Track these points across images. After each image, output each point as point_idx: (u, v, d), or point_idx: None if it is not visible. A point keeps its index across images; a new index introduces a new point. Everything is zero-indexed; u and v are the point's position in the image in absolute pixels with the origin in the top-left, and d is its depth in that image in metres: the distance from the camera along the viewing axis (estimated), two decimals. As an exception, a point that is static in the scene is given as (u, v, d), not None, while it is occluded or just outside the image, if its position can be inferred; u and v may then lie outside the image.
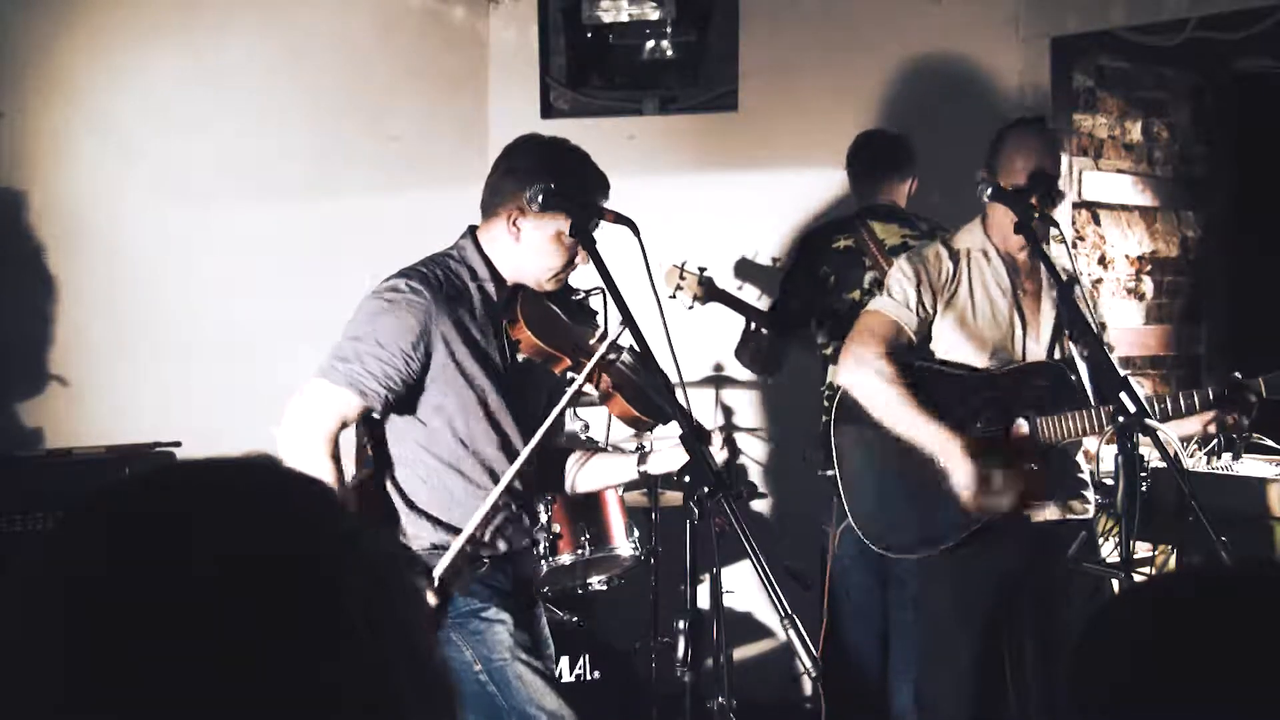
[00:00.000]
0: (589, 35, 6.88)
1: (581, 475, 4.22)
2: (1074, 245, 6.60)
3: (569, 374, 3.89)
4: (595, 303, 4.04)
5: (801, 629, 3.07)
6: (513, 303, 3.86)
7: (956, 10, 6.44)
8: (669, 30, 6.77)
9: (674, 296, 5.33)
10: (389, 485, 3.88)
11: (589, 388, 3.85)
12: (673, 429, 3.49)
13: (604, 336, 3.87)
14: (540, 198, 3.63)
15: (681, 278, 5.52)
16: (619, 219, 3.58)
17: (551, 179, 3.74)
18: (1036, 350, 4.50)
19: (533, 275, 3.91)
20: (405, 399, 3.79)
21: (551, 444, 4.10)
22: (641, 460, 4.06)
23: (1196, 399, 4.25)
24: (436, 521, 3.84)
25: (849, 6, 6.67)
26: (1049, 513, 4.47)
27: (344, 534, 1.14)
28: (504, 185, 3.88)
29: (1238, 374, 4.34)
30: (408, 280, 3.79)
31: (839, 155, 6.02)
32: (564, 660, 5.11)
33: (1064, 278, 4.43)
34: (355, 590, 1.09)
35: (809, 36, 6.74)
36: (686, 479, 3.33)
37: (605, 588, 5.66)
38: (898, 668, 5.11)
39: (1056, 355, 4.51)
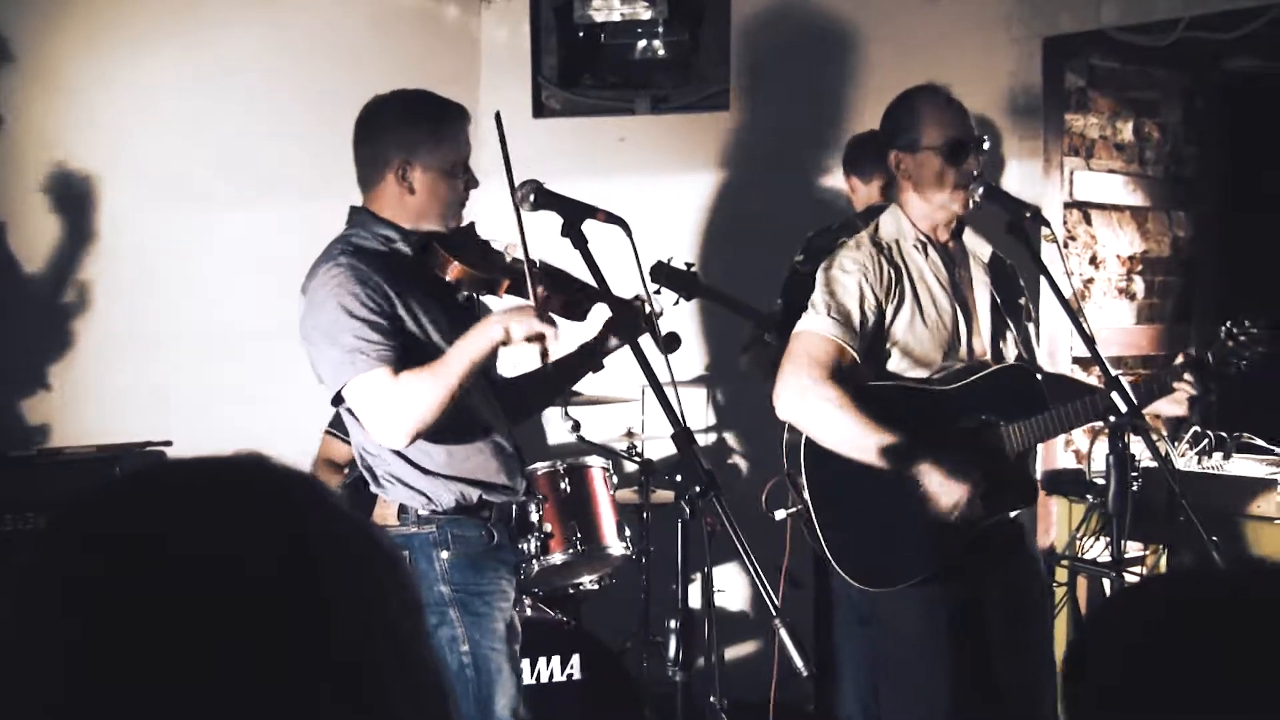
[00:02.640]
0: (581, 34, 6.89)
1: (535, 392, 4.41)
2: (1065, 245, 6.60)
3: (509, 295, 4.00)
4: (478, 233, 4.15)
5: (793, 629, 3.07)
6: (433, 248, 3.95)
7: (949, 9, 6.45)
8: (661, 30, 6.77)
9: (659, 292, 5.30)
10: (395, 462, 3.90)
11: (530, 299, 3.92)
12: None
13: (513, 256, 4.02)
14: (533, 197, 3.62)
15: (664, 273, 5.48)
16: (610, 218, 3.57)
17: (417, 125, 3.97)
18: (980, 342, 4.30)
19: (437, 215, 3.99)
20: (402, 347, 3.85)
21: (499, 379, 4.21)
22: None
23: (1157, 386, 4.15)
24: (453, 479, 3.91)
25: (841, 5, 6.68)
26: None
27: (338, 532, 1.14)
28: (381, 147, 4.00)
29: (1191, 350, 4.22)
30: (336, 260, 3.85)
31: (831, 155, 6.02)
32: (555, 660, 5.11)
33: (1053, 281, 4.19)
34: (346, 590, 1.09)
35: (801, 36, 6.74)
36: (678, 478, 3.33)
37: (596, 587, 5.66)
38: (845, 674, 4.90)
39: (1010, 349, 4.33)
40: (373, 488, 3.94)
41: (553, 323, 3.78)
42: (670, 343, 4.20)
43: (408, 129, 3.98)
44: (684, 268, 5.35)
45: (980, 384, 4.19)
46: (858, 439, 4.11)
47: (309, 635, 1.04)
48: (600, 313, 4.09)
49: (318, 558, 1.09)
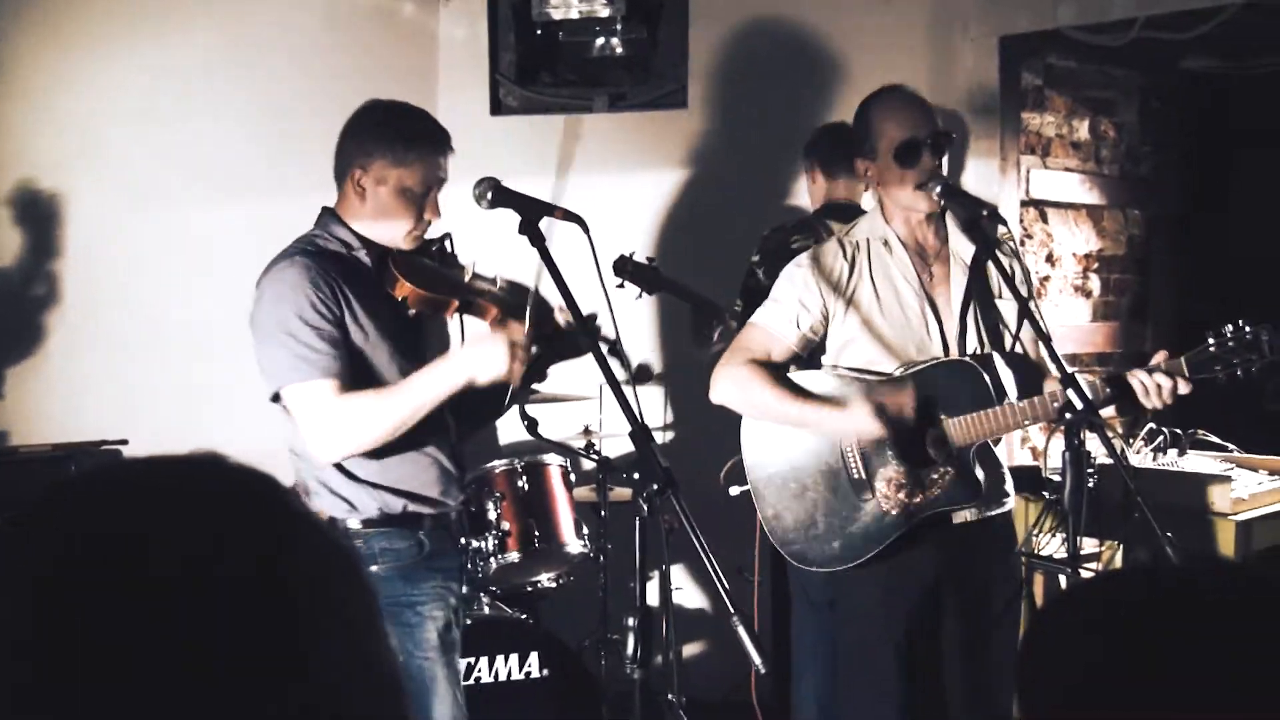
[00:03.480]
0: (538, 32, 6.88)
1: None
2: (1022, 243, 6.63)
3: (461, 315, 4.04)
4: (448, 247, 4.17)
5: (750, 625, 3.08)
6: (385, 265, 3.95)
7: (906, 8, 6.46)
8: (618, 27, 6.77)
9: (621, 286, 5.29)
10: (323, 467, 3.89)
11: (481, 320, 4.03)
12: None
13: (474, 273, 4.07)
14: (490, 194, 3.62)
15: (628, 268, 5.46)
16: (568, 216, 3.56)
17: (381, 140, 3.93)
18: (952, 340, 4.28)
19: (388, 235, 3.99)
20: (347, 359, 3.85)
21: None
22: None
23: (1103, 389, 4.11)
24: (379, 487, 3.90)
25: (798, 4, 6.69)
26: (968, 514, 4.27)
27: (294, 531, 1.14)
28: (342, 150, 4.02)
29: (1164, 352, 4.18)
30: (289, 260, 3.86)
31: (788, 153, 6.02)
32: (513, 658, 5.10)
33: (1015, 281, 4.24)
34: (305, 588, 1.08)
35: (758, 34, 6.75)
36: (636, 475, 3.33)
37: (555, 585, 5.66)
38: (800, 666, 4.85)
39: (973, 344, 4.31)
40: (301, 494, 3.92)
41: (523, 361, 3.79)
42: (641, 374, 4.28)
43: (373, 138, 3.96)
44: (646, 262, 5.34)
45: (927, 375, 4.20)
46: (772, 407, 4.25)
47: (271, 633, 1.03)
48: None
49: (275, 557, 1.09)
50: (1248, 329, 3.98)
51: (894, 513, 4.17)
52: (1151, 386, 3.98)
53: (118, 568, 1.02)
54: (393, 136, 3.96)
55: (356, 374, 3.83)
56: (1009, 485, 4.40)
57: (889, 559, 4.20)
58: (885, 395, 4.14)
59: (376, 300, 3.92)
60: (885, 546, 4.19)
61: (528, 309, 3.91)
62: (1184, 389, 4.00)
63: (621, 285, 5.28)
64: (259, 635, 1.03)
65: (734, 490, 5.02)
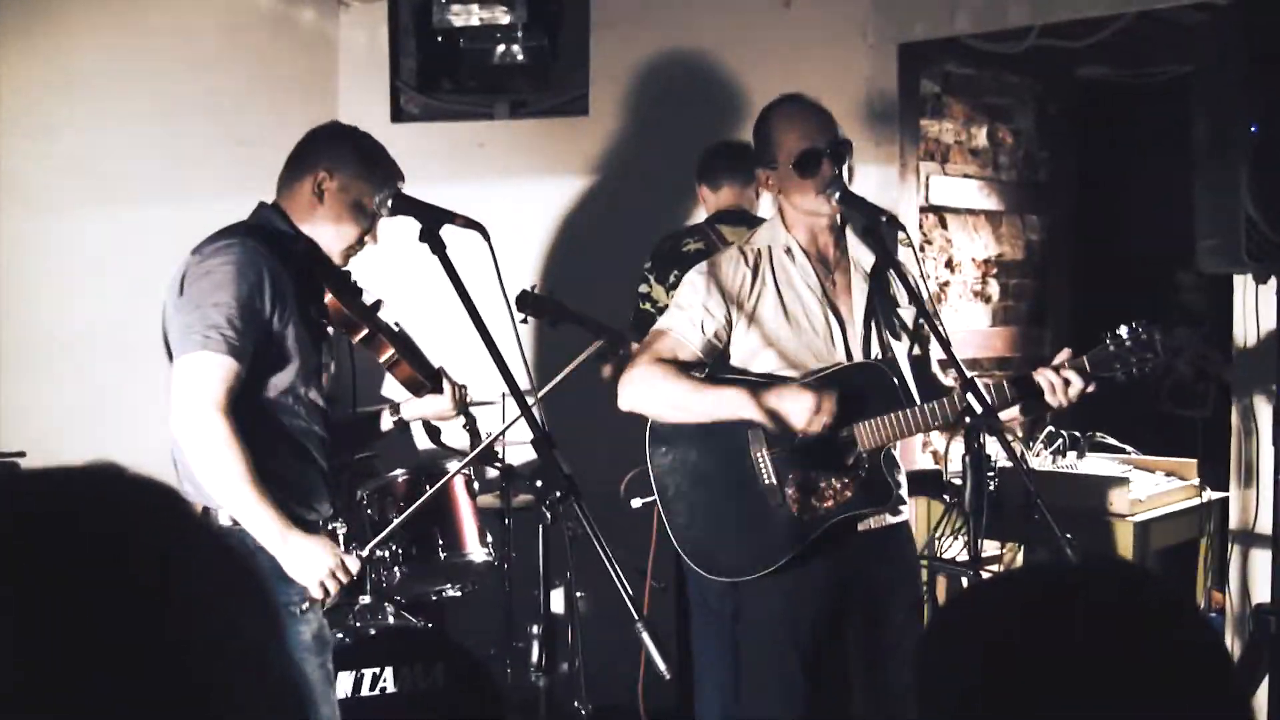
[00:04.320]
0: (439, 39, 6.86)
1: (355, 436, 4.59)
2: (921, 249, 6.68)
3: (361, 343, 4.19)
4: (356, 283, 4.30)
5: (655, 631, 3.09)
6: (316, 271, 4.06)
7: (805, 16, 6.49)
8: (520, 34, 6.76)
9: (525, 321, 5.28)
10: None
11: (375, 355, 4.22)
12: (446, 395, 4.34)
13: (376, 306, 4.23)
14: (390, 202, 3.62)
15: (529, 303, 5.43)
16: (469, 224, 3.56)
17: (354, 152, 4.07)
18: (855, 347, 4.26)
19: (327, 244, 4.06)
20: (259, 357, 3.86)
21: (343, 412, 4.32)
22: (394, 411, 4.45)
23: (1009, 389, 4.15)
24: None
25: (699, 11, 6.70)
26: (871, 521, 4.26)
27: (188, 541, 1.13)
28: (311, 151, 4.09)
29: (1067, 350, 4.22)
30: (242, 240, 3.87)
31: (688, 160, 6.04)
32: (418, 667, 5.08)
33: (914, 285, 4.20)
34: (194, 596, 1.07)
35: (659, 41, 6.76)
36: (539, 483, 3.33)
37: (459, 593, 5.64)
38: (702, 675, 4.82)
39: (875, 351, 4.29)
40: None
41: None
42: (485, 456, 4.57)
43: (348, 148, 4.08)
44: (547, 295, 5.34)
45: (833, 379, 4.18)
46: (684, 397, 4.20)
47: (157, 640, 1.02)
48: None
49: (168, 565, 1.08)
50: (1141, 329, 4.03)
51: (805, 518, 4.15)
52: (1059, 384, 4.02)
53: (8, 580, 1.01)
54: (365, 153, 4.09)
55: (263, 362, 3.84)
56: (904, 492, 4.40)
57: (792, 568, 4.17)
58: (801, 385, 4.13)
59: (305, 298, 3.99)
60: (798, 552, 4.16)
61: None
62: (1089, 387, 4.05)
63: (525, 320, 5.28)
64: (144, 642, 1.02)
65: (636, 502, 5.01)
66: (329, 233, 4.04)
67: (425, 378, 4.29)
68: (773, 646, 4.21)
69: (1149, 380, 4.14)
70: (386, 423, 4.48)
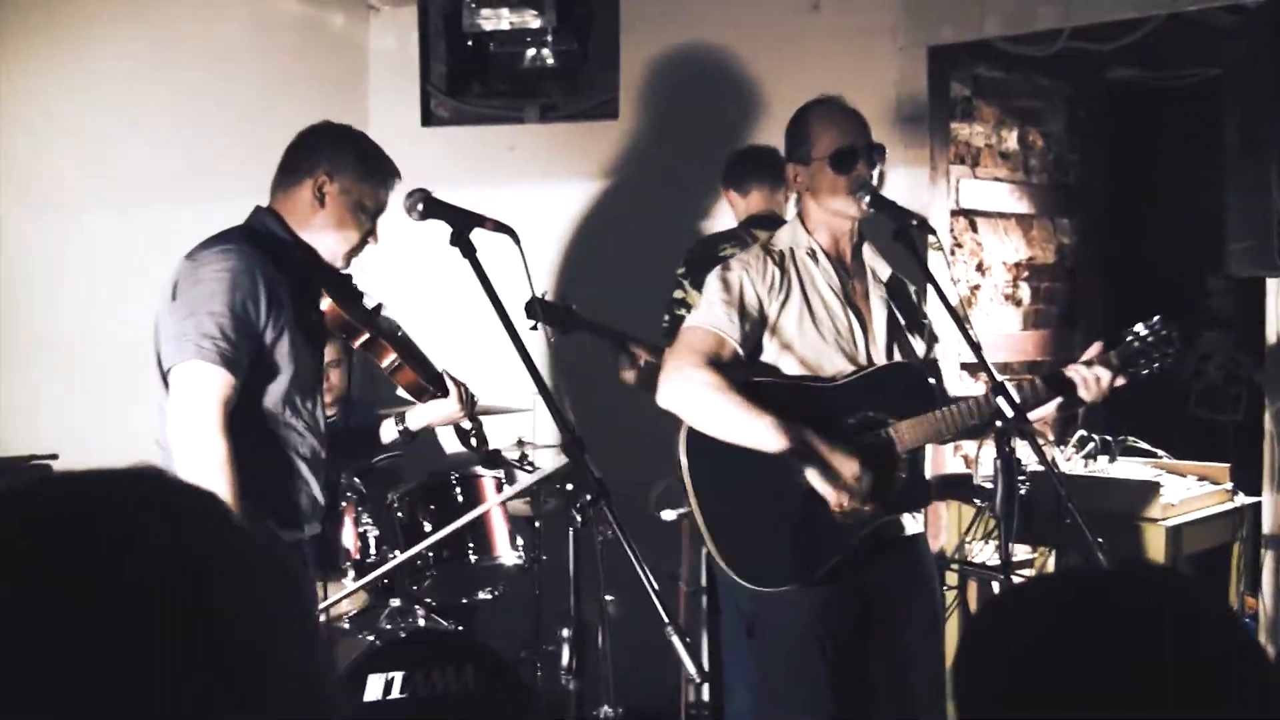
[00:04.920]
0: (469, 43, 6.87)
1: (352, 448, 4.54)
2: (952, 252, 6.67)
3: (362, 348, 4.17)
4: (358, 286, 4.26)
5: (685, 635, 3.09)
6: (314, 276, 4.03)
7: (834, 20, 6.49)
8: (550, 38, 6.76)
9: (535, 328, 5.24)
10: (178, 470, 3.82)
11: (377, 360, 4.18)
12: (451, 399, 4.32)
13: (376, 310, 4.19)
14: (421, 206, 3.61)
15: (538, 311, 5.36)
16: (499, 227, 3.56)
17: (353, 153, 4.02)
18: (877, 351, 4.25)
19: (329, 248, 4.04)
20: (253, 367, 3.83)
21: (355, 420, 4.31)
22: (400, 420, 4.44)
23: (1045, 387, 4.14)
24: (240, 499, 3.73)
25: (728, 14, 6.70)
26: (892, 529, 4.24)
27: (228, 547, 1.12)
28: (308, 155, 4.04)
29: (1099, 344, 4.22)
30: (238, 247, 3.85)
31: (719, 163, 6.03)
32: (449, 670, 5.08)
33: (938, 288, 4.13)
34: (233, 603, 1.07)
35: (688, 44, 6.76)
36: (569, 487, 3.34)
37: (489, 597, 5.64)
38: (733, 679, 4.79)
39: (896, 355, 4.28)
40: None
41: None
42: (491, 459, 4.49)
43: (345, 150, 4.03)
44: (558, 303, 5.29)
45: (868, 380, 4.17)
46: (733, 419, 4.08)
47: (195, 647, 1.02)
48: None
49: (206, 570, 1.08)
50: (1159, 325, 4.08)
51: (849, 522, 4.13)
52: (1091, 379, 4.05)
53: (45, 584, 1.01)
54: (365, 153, 4.06)
55: (256, 371, 3.83)
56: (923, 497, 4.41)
57: (822, 577, 4.14)
58: (845, 458, 4.07)
59: (301, 305, 3.96)
60: (837, 562, 4.12)
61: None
62: (1118, 380, 4.08)
63: (535, 328, 5.22)
64: (181, 646, 1.02)
65: (668, 515, 4.98)
66: (331, 236, 4.02)
67: (428, 382, 4.27)
68: (801, 656, 4.18)
69: (1177, 378, 4.16)
70: (390, 433, 4.48)
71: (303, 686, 1.11)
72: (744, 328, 4.18)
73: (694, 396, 4.13)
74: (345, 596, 5.17)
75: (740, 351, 4.18)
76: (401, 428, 4.42)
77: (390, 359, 4.15)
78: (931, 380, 4.22)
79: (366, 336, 4.11)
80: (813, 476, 4.05)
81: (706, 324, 4.20)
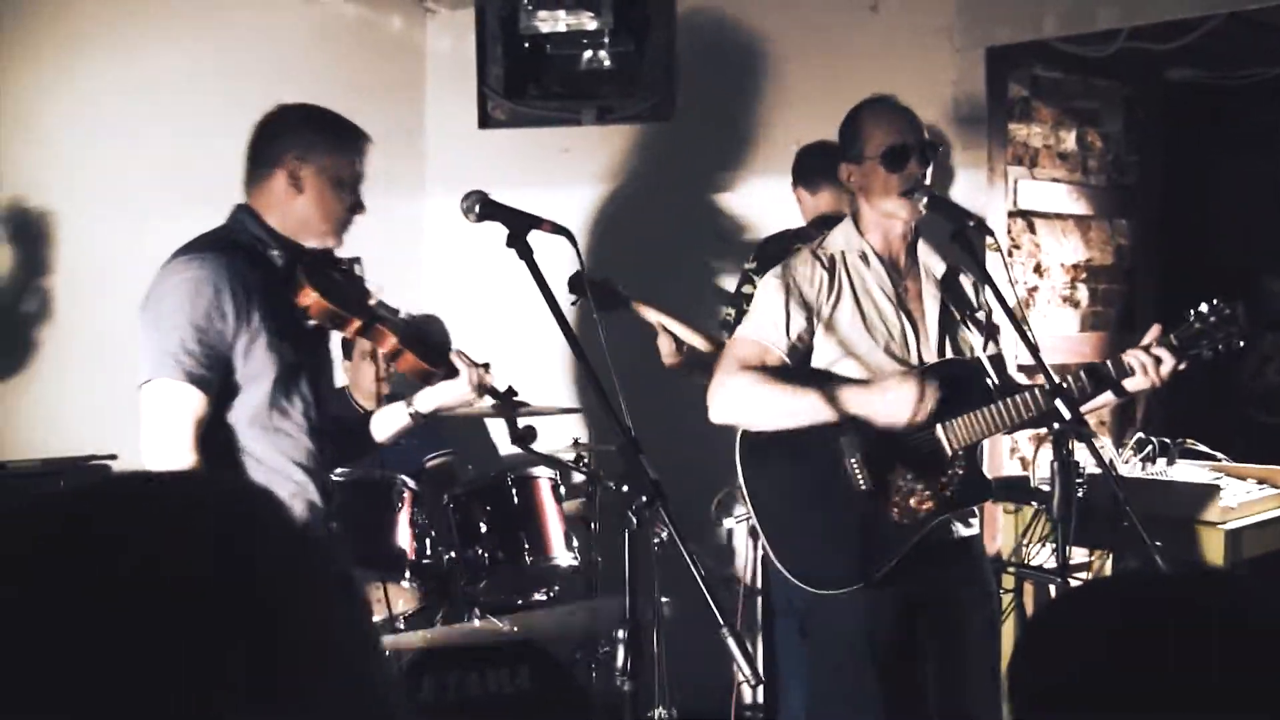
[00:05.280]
0: (526, 45, 6.87)
1: (374, 431, 4.33)
2: (1009, 254, 6.64)
3: (359, 336, 4.07)
4: (358, 270, 4.14)
5: (740, 638, 3.08)
6: (294, 270, 3.93)
7: (892, 20, 6.47)
8: (606, 40, 6.75)
9: (575, 304, 5.24)
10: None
11: (378, 347, 4.09)
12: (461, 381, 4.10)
13: (378, 296, 4.06)
14: (478, 208, 3.61)
15: (584, 287, 5.41)
16: (556, 229, 3.57)
17: (318, 129, 4.01)
18: (929, 353, 4.25)
19: (317, 227, 3.98)
20: (227, 380, 3.79)
21: (350, 412, 4.21)
22: (409, 403, 4.22)
23: (1088, 378, 4.08)
24: None
25: (785, 15, 6.69)
26: (962, 528, 4.26)
27: (285, 550, 1.12)
28: (272, 143, 4.02)
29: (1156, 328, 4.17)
30: (200, 255, 3.84)
31: (775, 164, 6.03)
32: (504, 671, 5.09)
33: (996, 290, 4.14)
34: (289, 604, 1.07)
35: (745, 46, 6.76)
36: (625, 488, 3.34)
37: (545, 598, 5.65)
38: (787, 679, 4.79)
39: (948, 354, 4.27)
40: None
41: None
42: (525, 436, 4.36)
43: (308, 131, 4.01)
44: (603, 279, 5.30)
45: (928, 375, 4.14)
46: (782, 404, 4.13)
47: (248, 648, 1.02)
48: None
49: (261, 574, 1.08)
50: (1225, 305, 4.04)
51: (906, 522, 4.12)
52: (1149, 363, 4.01)
53: (98, 587, 1.01)
54: (329, 128, 4.05)
55: (240, 378, 3.80)
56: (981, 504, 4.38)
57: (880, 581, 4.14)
58: (904, 376, 4.09)
59: (280, 303, 3.90)
60: (895, 563, 4.12)
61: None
62: (1180, 365, 4.04)
63: (575, 303, 5.23)
64: (240, 664, 1.01)
65: (727, 522, 4.97)
66: (316, 217, 3.97)
67: (434, 365, 4.12)
68: (853, 658, 4.18)
69: (1237, 380, 4.12)
70: (401, 418, 4.26)
71: (361, 687, 1.11)
72: (790, 337, 4.20)
73: (740, 397, 4.18)
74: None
75: (787, 360, 4.20)
76: (412, 410, 4.22)
77: (390, 344, 4.05)
78: (984, 376, 4.20)
79: (359, 324, 4.01)
80: (881, 415, 4.08)
81: (752, 335, 4.25)
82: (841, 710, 4.25)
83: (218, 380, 3.75)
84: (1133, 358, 4.05)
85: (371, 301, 4.04)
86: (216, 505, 1.12)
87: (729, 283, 5.77)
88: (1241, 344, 4.10)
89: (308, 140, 3.97)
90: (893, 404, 4.06)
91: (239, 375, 3.81)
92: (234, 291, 3.77)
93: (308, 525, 1.12)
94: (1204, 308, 4.07)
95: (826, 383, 4.13)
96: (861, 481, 4.14)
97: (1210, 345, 4.07)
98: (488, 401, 4.37)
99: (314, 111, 4.10)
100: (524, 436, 4.52)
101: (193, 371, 3.70)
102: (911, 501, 4.12)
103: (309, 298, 3.89)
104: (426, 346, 4.15)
